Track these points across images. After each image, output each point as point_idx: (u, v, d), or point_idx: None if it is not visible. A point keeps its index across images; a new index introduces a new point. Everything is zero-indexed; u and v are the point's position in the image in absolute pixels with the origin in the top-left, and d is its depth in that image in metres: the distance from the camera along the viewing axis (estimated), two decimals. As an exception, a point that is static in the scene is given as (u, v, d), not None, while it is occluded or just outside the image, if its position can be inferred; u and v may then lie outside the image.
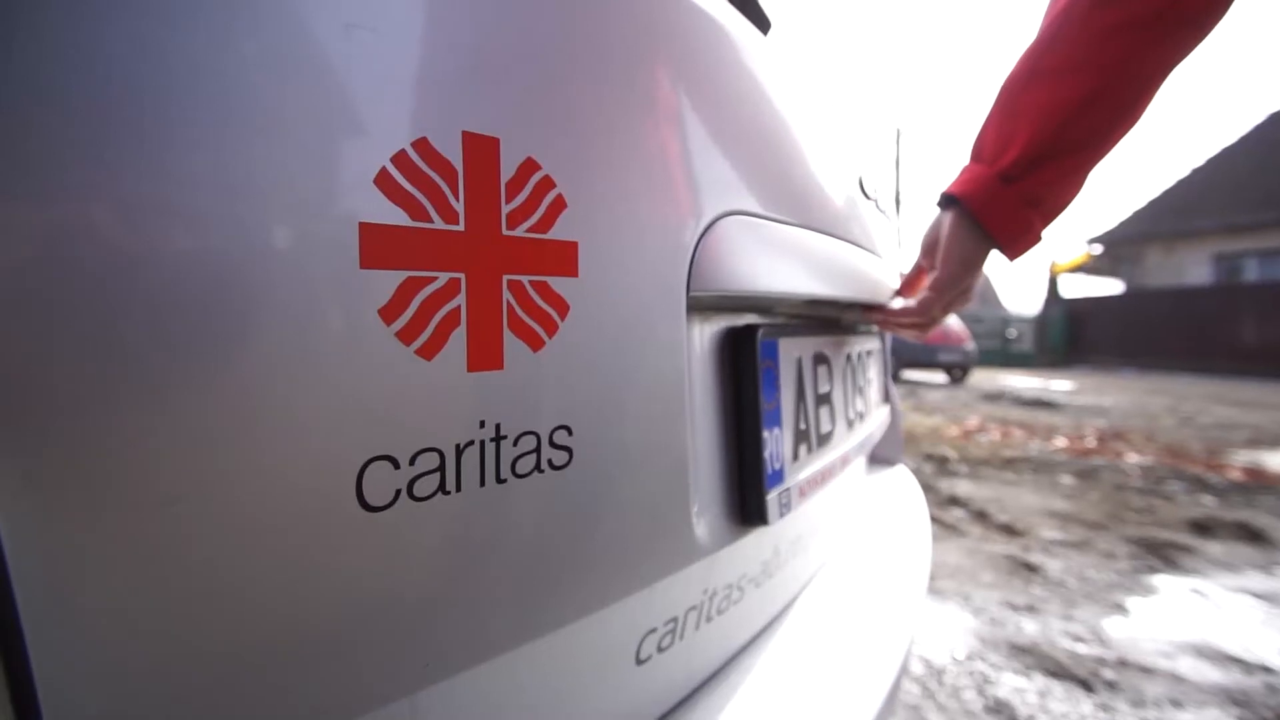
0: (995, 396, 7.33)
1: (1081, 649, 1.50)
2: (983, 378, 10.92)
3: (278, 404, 0.22)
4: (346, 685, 0.25)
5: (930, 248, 0.71)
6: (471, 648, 0.29)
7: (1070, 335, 16.00)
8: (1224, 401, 7.09)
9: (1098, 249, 17.11)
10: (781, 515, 0.45)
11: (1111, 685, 1.36)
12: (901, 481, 1.02)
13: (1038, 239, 0.65)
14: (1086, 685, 1.36)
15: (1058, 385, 9.50)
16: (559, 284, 0.31)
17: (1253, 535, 2.31)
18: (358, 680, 0.26)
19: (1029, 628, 1.60)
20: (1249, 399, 7.45)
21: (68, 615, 0.19)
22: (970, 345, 9.42)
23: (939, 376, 10.17)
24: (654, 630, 0.39)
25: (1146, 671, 1.41)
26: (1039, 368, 14.90)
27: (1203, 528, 2.39)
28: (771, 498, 0.44)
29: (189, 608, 0.21)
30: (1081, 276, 18.27)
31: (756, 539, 0.49)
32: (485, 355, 0.28)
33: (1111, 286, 17.41)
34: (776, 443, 0.47)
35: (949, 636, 1.55)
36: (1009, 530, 2.36)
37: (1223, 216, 14.43)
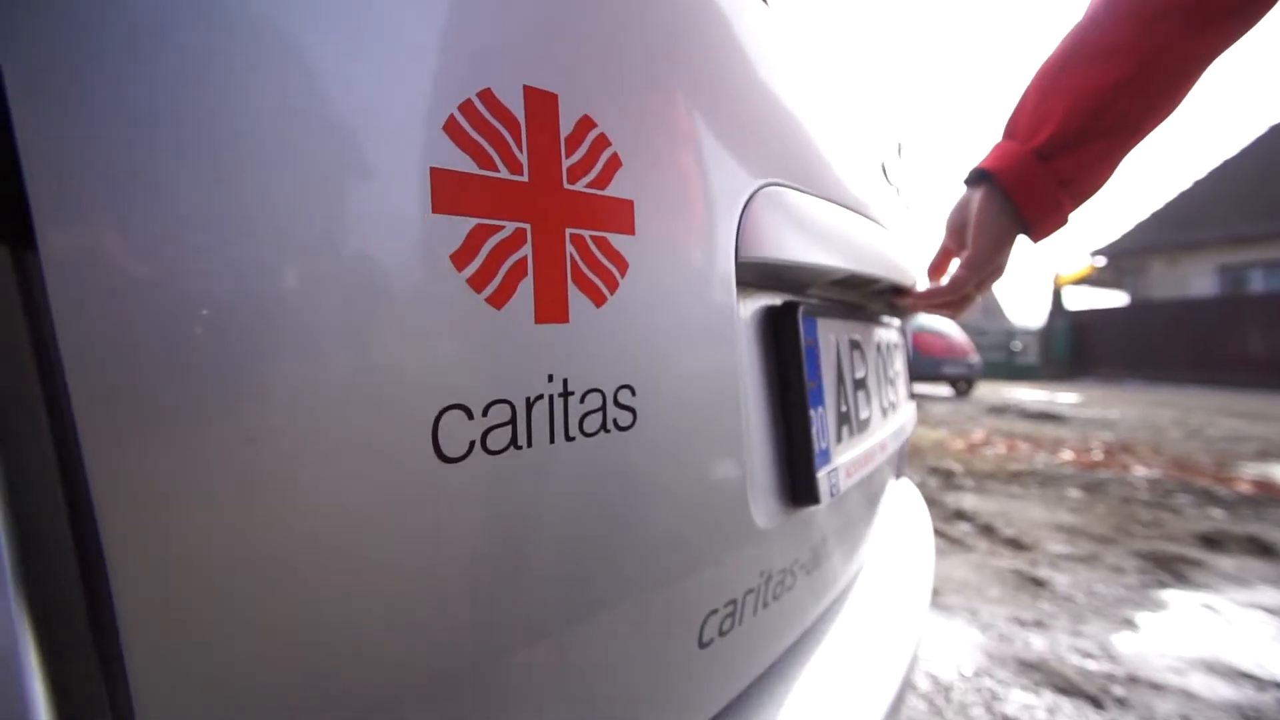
0: (1000, 409, 7.31)
1: (1090, 665, 1.48)
2: (987, 390, 10.90)
3: (358, 344, 0.22)
4: (415, 653, 0.24)
5: (957, 228, 0.70)
6: (542, 616, 0.28)
7: (1075, 348, 15.98)
8: (1231, 413, 7.06)
9: (1101, 261, 17.13)
10: (831, 495, 0.45)
11: (1121, 702, 1.33)
12: (905, 494, 1.01)
13: (1065, 221, 0.65)
14: (1096, 702, 1.33)
15: (1063, 398, 9.48)
16: (618, 241, 0.31)
17: (1263, 549, 2.28)
18: (426, 648, 0.25)
19: (1037, 643, 1.58)
20: (1256, 411, 7.42)
21: (155, 581, 0.19)
22: (975, 358, 9.40)
23: (944, 389, 10.15)
24: (715, 611, 0.38)
25: (1157, 688, 1.39)
26: (1044, 380, 14.88)
27: (1212, 541, 2.37)
28: (821, 476, 0.44)
29: (279, 568, 0.21)
30: (1086, 289, 18.27)
31: (806, 521, 0.48)
32: (551, 307, 0.28)
33: (1116, 299, 17.42)
34: (822, 421, 0.46)
35: (956, 652, 1.53)
36: (1016, 544, 2.34)
37: (1226, 228, 14.42)
